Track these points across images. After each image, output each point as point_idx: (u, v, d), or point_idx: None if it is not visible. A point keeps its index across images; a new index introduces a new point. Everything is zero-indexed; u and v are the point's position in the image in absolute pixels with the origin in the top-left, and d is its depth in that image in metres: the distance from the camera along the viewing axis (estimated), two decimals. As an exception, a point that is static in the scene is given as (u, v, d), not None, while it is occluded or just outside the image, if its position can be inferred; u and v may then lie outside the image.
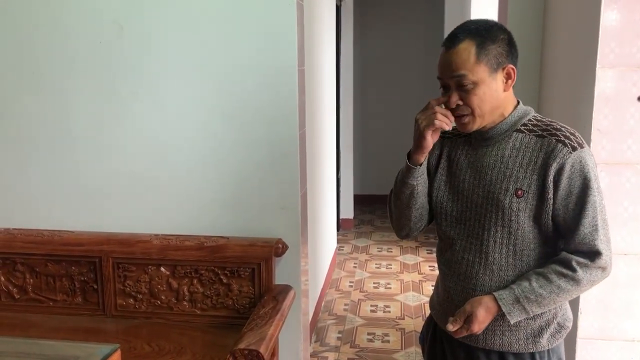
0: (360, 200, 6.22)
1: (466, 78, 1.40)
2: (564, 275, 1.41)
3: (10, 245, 2.49)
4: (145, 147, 2.46)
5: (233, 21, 2.33)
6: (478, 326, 1.44)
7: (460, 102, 1.44)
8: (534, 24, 2.44)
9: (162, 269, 2.43)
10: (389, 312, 3.80)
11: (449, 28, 4.91)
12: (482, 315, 1.43)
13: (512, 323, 1.44)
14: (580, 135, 1.45)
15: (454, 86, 1.43)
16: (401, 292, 4.10)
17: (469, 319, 1.44)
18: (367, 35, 6.25)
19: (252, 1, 2.30)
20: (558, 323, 1.51)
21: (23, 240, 2.49)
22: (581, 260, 1.40)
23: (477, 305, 1.44)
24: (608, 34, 1.81)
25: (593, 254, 1.40)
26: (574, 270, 1.40)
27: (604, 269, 1.42)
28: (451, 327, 1.46)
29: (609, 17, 1.80)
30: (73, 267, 2.48)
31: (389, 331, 3.52)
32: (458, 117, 1.46)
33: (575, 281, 1.41)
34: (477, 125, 1.46)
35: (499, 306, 1.43)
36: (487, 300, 1.44)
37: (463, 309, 1.46)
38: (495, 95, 1.43)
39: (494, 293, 1.45)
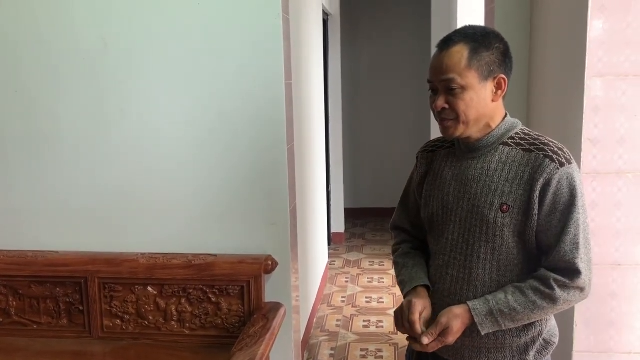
0: (351, 214, 6.20)
1: (455, 82, 1.38)
2: (541, 292, 1.38)
3: (-7, 268, 2.43)
4: (131, 164, 2.42)
5: (219, 35, 2.30)
6: (453, 337, 1.42)
7: (446, 106, 1.41)
8: (521, 34, 2.43)
9: (150, 288, 2.37)
10: (382, 327, 3.76)
11: (435, 40, 4.94)
12: (458, 327, 1.41)
13: (482, 334, 1.41)
14: (568, 151, 1.42)
15: (442, 89, 1.41)
16: (394, 306, 4.06)
17: (444, 332, 1.42)
18: (355, 48, 6.26)
19: (238, 15, 2.28)
20: (544, 339, 1.49)
21: (6, 262, 2.43)
22: (560, 279, 1.37)
23: (453, 318, 1.42)
24: (596, 43, 1.80)
25: (572, 273, 1.37)
26: (551, 288, 1.37)
27: (582, 289, 1.39)
28: (426, 341, 1.42)
29: (596, 27, 1.79)
30: (58, 289, 2.42)
31: (382, 346, 3.47)
32: (442, 121, 1.44)
33: (552, 299, 1.38)
34: (459, 131, 1.43)
35: (472, 316, 1.40)
36: (461, 312, 1.42)
37: (438, 321, 1.43)
38: (483, 104, 1.41)
39: (468, 303, 1.42)
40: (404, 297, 1.56)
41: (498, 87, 1.41)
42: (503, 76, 1.41)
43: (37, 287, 2.43)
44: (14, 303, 2.45)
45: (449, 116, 1.42)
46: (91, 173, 2.45)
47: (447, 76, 1.39)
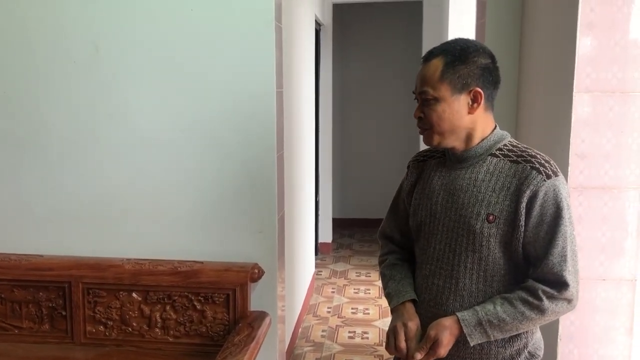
0: (339, 224, 6.19)
1: (428, 93, 1.43)
2: (529, 303, 1.39)
3: (-25, 270, 2.40)
4: (119, 170, 2.41)
5: (211, 42, 2.30)
6: (443, 350, 1.42)
7: (422, 116, 1.47)
8: (511, 50, 2.46)
9: (134, 294, 2.35)
10: (367, 338, 3.74)
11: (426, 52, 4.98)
12: (447, 339, 1.42)
13: (471, 345, 1.42)
14: (555, 164, 1.44)
15: (420, 100, 1.48)
16: (379, 318, 4.05)
17: (434, 345, 1.42)
18: (346, 59, 6.29)
19: (230, 22, 2.28)
20: (529, 352, 1.49)
21: (-11, 264, 2.40)
22: (548, 290, 1.38)
23: (442, 330, 1.42)
24: (584, 60, 1.82)
25: (560, 285, 1.38)
26: (539, 299, 1.38)
27: (569, 301, 1.40)
28: (419, 356, 1.44)
29: (584, 43, 1.82)
30: (41, 293, 2.39)
31: (367, 358, 3.46)
32: (420, 130, 1.50)
33: (540, 310, 1.39)
34: (436, 141, 1.47)
35: (461, 327, 1.41)
36: (450, 323, 1.43)
37: (428, 335, 1.44)
38: (457, 116, 1.43)
39: (457, 314, 1.43)
40: (391, 311, 1.57)
41: (474, 100, 1.43)
42: (479, 89, 1.42)
43: (19, 291, 2.40)
44: (-4, 307, 2.42)
45: (425, 125, 1.48)
46: (78, 177, 2.43)
47: (422, 88, 1.45)
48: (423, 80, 1.45)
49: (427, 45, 4.98)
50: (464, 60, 1.42)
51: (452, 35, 4.24)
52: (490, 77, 1.44)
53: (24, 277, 2.38)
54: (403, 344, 1.47)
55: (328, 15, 5.28)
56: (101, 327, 2.38)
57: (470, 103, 1.43)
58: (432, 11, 5.04)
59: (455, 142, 1.47)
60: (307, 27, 4.08)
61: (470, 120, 1.45)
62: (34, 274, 2.37)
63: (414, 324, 1.49)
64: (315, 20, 4.62)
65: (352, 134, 6.41)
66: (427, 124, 1.46)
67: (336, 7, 5.37)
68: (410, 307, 1.53)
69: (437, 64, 1.43)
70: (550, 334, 1.91)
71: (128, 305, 2.35)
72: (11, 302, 2.41)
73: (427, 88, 1.43)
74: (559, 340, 1.91)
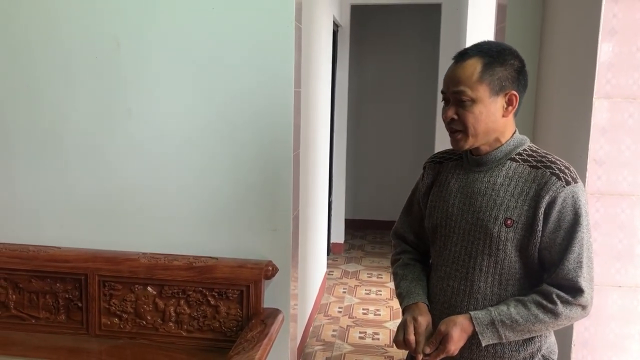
0: (351, 225, 6.19)
1: (465, 94, 1.40)
2: (543, 307, 1.39)
3: (-6, 260, 2.44)
4: (137, 164, 2.43)
5: (231, 41, 2.32)
6: (454, 346, 1.41)
7: (455, 117, 1.43)
8: (530, 54, 2.45)
9: (149, 288, 2.38)
10: (378, 339, 3.75)
11: (444, 57, 4.98)
12: (458, 335, 1.41)
13: (482, 345, 1.41)
14: (574, 170, 1.44)
15: (453, 100, 1.44)
16: (390, 319, 4.05)
17: (444, 339, 1.42)
18: (363, 60, 6.29)
19: (251, 22, 2.30)
20: (543, 355, 1.49)
21: (8, 255, 2.43)
22: (562, 295, 1.38)
23: (452, 325, 1.42)
24: (605, 66, 1.81)
25: (575, 291, 1.38)
26: (554, 303, 1.38)
27: (584, 307, 1.40)
28: (428, 350, 1.43)
29: (605, 49, 1.81)
30: (58, 284, 2.43)
31: (377, 359, 3.46)
32: (452, 132, 1.46)
33: (554, 314, 1.39)
34: (469, 144, 1.45)
35: (474, 326, 1.40)
36: (462, 320, 1.42)
37: (438, 330, 1.44)
38: (493, 119, 1.42)
39: (470, 312, 1.43)
40: (402, 311, 1.57)
41: (509, 103, 1.43)
42: (515, 92, 1.42)
43: (37, 282, 2.44)
44: (14, 297, 2.46)
45: (458, 127, 1.44)
46: (96, 171, 2.46)
47: (458, 88, 1.41)
48: (458, 80, 1.41)
49: (445, 48, 4.97)
50: (502, 62, 1.40)
51: (470, 38, 4.23)
52: (523, 80, 1.44)
53: (42, 268, 2.42)
54: (412, 337, 1.46)
55: (346, 17, 5.29)
56: (116, 320, 2.41)
57: (505, 106, 1.43)
58: (451, 14, 5.02)
59: (485, 145, 1.46)
60: (325, 28, 4.10)
61: (503, 123, 1.44)
62: (51, 265, 2.41)
63: (424, 319, 1.48)
64: (333, 22, 4.63)
65: (367, 135, 6.41)
66: (460, 126, 1.44)
67: (354, 9, 5.37)
68: (422, 306, 1.53)
69: (475, 64, 1.40)
70: (564, 339, 1.90)
71: (143, 298, 2.38)
72: (29, 293, 2.45)
73: (465, 88, 1.40)
74: (572, 346, 1.91)
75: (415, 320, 1.48)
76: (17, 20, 2.42)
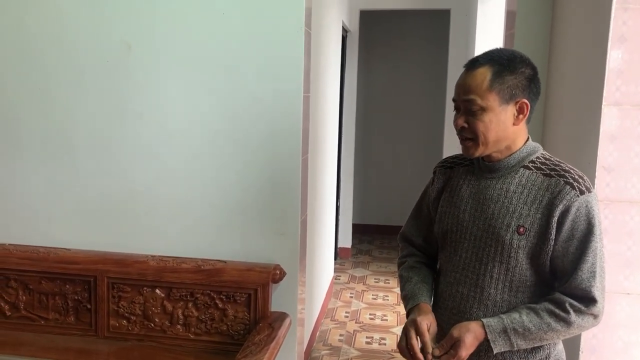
0: (358, 230, 6.19)
1: (475, 102, 1.40)
2: (556, 315, 1.39)
3: (5, 261, 2.46)
4: (147, 168, 2.45)
5: (241, 45, 2.34)
6: (465, 352, 1.40)
7: (466, 125, 1.43)
8: (539, 61, 2.44)
9: (158, 291, 2.39)
10: (385, 344, 3.74)
11: (453, 63, 4.98)
12: (470, 341, 1.40)
13: (494, 352, 1.41)
14: (588, 180, 1.43)
15: (464, 109, 1.44)
16: (397, 325, 4.04)
17: (455, 345, 1.41)
18: (372, 66, 6.30)
19: (261, 27, 2.32)
20: None
21: (18, 256, 2.46)
22: (575, 304, 1.38)
23: (465, 331, 1.41)
24: (614, 73, 1.81)
25: (587, 300, 1.38)
26: (567, 312, 1.38)
27: (596, 316, 1.40)
28: (437, 353, 1.42)
29: (615, 56, 1.81)
30: (67, 286, 2.45)
31: (384, 364, 3.46)
32: (462, 140, 1.46)
33: (567, 323, 1.38)
34: (479, 152, 1.45)
35: (486, 333, 1.40)
36: (474, 327, 1.41)
37: (450, 334, 1.43)
38: (503, 127, 1.42)
39: (482, 320, 1.42)
40: (407, 314, 1.56)
41: (520, 111, 1.42)
42: (525, 101, 1.42)
43: (47, 283, 2.46)
44: (24, 297, 2.48)
45: (468, 135, 1.44)
46: (106, 174, 2.48)
47: (468, 96, 1.41)
48: (469, 89, 1.41)
49: (453, 54, 4.98)
50: (512, 70, 1.40)
51: (479, 44, 4.23)
52: (535, 88, 1.44)
53: (52, 270, 2.44)
54: (414, 342, 1.44)
55: (355, 22, 5.30)
56: (124, 322, 2.42)
57: (516, 114, 1.42)
58: (460, 19, 5.02)
59: (496, 153, 1.46)
60: (334, 33, 4.11)
61: (514, 131, 1.44)
62: (61, 267, 2.43)
63: (423, 319, 1.46)
64: (343, 27, 4.65)
65: (375, 141, 6.41)
66: (470, 134, 1.43)
67: (363, 14, 5.39)
68: (423, 306, 1.52)
69: (485, 72, 1.40)
70: (572, 346, 1.90)
71: (151, 301, 2.39)
72: (38, 294, 2.47)
73: (474, 97, 1.40)
74: (580, 353, 1.90)
75: (414, 322, 1.47)
76: (29, 25, 2.45)
